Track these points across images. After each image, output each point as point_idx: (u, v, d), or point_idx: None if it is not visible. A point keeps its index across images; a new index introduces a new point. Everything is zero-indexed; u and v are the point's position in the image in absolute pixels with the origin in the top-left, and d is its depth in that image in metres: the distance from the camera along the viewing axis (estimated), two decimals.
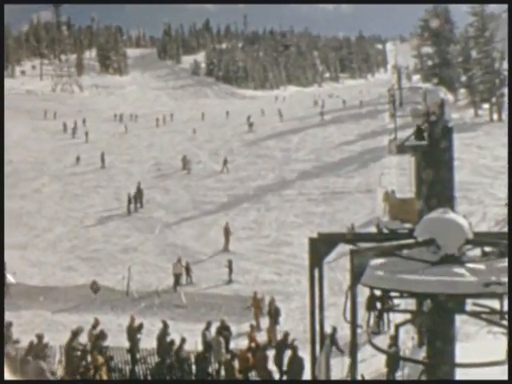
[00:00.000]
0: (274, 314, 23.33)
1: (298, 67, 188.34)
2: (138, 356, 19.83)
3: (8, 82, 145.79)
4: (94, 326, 20.04)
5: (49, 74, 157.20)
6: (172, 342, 19.02)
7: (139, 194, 45.24)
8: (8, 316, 24.19)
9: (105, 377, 17.23)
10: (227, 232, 35.50)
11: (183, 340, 18.74)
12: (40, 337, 18.82)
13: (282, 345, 18.73)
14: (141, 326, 20.32)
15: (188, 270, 31.00)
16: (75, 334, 18.96)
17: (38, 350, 18.41)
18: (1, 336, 15.41)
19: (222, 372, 19.03)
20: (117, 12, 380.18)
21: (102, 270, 33.29)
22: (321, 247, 13.82)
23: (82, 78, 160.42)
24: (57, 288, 30.28)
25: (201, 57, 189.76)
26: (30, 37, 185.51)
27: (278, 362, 18.44)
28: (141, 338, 20.21)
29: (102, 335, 19.05)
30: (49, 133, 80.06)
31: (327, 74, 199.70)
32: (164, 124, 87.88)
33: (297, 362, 17.32)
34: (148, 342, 20.37)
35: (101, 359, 17.43)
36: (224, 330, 20.52)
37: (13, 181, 53.91)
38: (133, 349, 19.72)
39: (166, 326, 20.11)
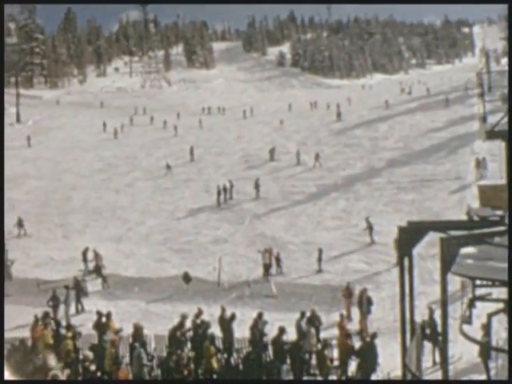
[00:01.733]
0: (367, 304, 23.16)
1: (383, 55, 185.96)
2: (233, 346, 19.97)
3: (100, 81, 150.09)
4: (198, 316, 20.37)
5: (138, 70, 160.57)
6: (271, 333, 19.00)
7: (230, 186, 45.69)
8: (106, 305, 25.12)
9: (215, 365, 17.46)
10: None
11: (282, 330, 18.69)
12: (137, 326, 19.44)
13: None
14: (233, 317, 20.49)
15: (278, 260, 31.14)
16: (182, 322, 19.44)
17: (138, 338, 19.10)
18: (1, 336, 15.70)
19: (313, 361, 19.12)
20: (201, 7, 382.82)
21: (194, 261, 33.76)
22: (410, 236, 13.73)
23: (169, 74, 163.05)
24: (150, 279, 30.98)
25: (286, 48, 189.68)
26: (120, 36, 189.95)
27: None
28: (234, 327, 20.36)
29: (207, 325, 19.45)
30: (139, 128, 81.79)
31: (413, 61, 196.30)
32: (251, 116, 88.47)
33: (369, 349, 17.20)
34: (239, 331, 20.60)
35: (212, 349, 17.69)
36: (315, 320, 20.53)
37: (107, 176, 55.52)
38: (226, 339, 19.93)
39: (260, 316, 20.19)
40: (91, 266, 31.97)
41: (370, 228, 34.31)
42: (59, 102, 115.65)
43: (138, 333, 19.17)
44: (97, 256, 31.76)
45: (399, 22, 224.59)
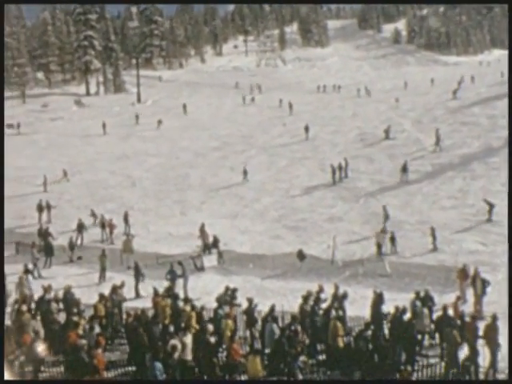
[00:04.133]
0: (481, 286, 22.60)
1: (503, 29, 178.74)
2: (346, 324, 19.97)
3: (216, 60, 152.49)
4: (319, 292, 20.58)
5: (253, 50, 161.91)
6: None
7: (345, 164, 45.40)
8: (222, 281, 25.79)
9: (342, 344, 17.62)
10: None
11: (402, 310, 18.45)
12: (251, 300, 19.90)
13: None
14: (345, 295, 20.53)
15: (392, 239, 30.85)
16: (306, 299, 19.73)
17: (250, 313, 19.63)
18: (1, 335, 16.05)
19: (426, 342, 18.94)
20: None
21: (308, 238, 33.95)
22: None
23: (284, 52, 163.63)
24: (265, 255, 31.37)
25: (401, 25, 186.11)
26: (236, 16, 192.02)
27: None
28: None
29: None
30: (255, 106, 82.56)
31: None
32: (366, 94, 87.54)
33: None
34: (351, 310, 20.66)
35: (340, 326, 17.80)
36: (428, 301, 20.27)
37: (223, 154, 56.55)
38: (340, 317, 19.98)
39: (378, 295, 20.13)
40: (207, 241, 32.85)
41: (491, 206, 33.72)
42: (177, 82, 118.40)
43: (250, 308, 19.71)
44: (203, 233, 32.46)
45: None
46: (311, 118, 68.08)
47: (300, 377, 16.11)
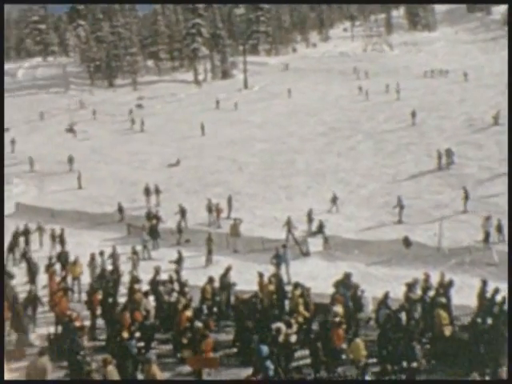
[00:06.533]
0: None
1: None
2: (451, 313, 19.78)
3: (322, 46, 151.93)
4: (426, 280, 20.56)
5: (359, 35, 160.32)
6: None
7: (451, 151, 44.57)
8: (327, 266, 26.08)
9: (448, 332, 17.51)
10: None
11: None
12: (356, 287, 20.17)
13: None
14: (451, 283, 20.34)
15: (499, 227, 30.24)
16: (410, 286, 19.85)
17: (356, 299, 19.92)
18: (1, 335, 16.27)
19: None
20: None
21: (414, 225, 33.82)
22: None
23: (391, 37, 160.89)
24: (370, 242, 31.34)
25: None
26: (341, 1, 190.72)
27: None
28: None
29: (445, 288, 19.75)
30: (362, 92, 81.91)
31: None
32: (475, 78, 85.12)
33: None
34: (456, 298, 20.50)
35: (444, 315, 17.78)
36: None
37: (329, 139, 56.60)
38: (445, 305, 19.84)
39: (484, 283, 19.90)
40: (314, 227, 33.19)
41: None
42: (284, 68, 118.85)
43: (355, 295, 19.96)
44: (289, 223, 32.40)
45: None
46: (418, 103, 66.95)
47: (414, 364, 16.15)
